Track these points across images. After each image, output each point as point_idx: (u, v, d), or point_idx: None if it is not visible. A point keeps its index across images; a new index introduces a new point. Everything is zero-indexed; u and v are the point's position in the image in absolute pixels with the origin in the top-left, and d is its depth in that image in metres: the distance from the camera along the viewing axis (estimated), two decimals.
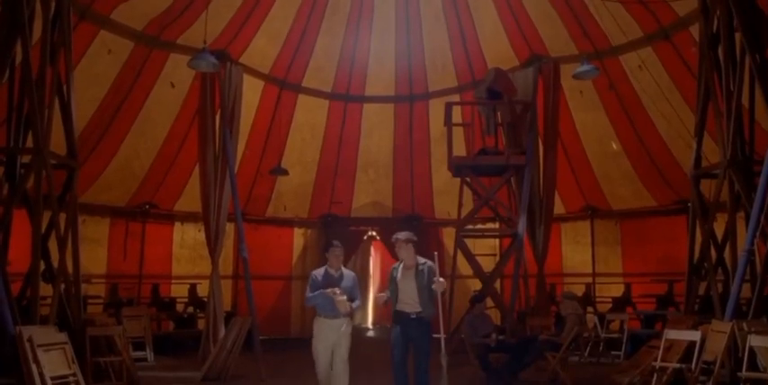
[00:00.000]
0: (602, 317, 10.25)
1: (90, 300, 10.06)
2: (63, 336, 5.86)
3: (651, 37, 9.43)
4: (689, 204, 10.45)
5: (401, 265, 5.20)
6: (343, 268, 5.29)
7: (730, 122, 6.84)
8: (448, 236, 12.79)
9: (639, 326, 10.46)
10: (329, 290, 4.97)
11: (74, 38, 7.93)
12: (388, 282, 5.25)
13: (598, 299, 11.64)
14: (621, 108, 10.58)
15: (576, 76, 8.17)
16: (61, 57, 6.81)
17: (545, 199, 9.96)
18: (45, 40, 6.46)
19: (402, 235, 5.15)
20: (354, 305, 5.17)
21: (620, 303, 11.13)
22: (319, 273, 5.25)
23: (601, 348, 9.47)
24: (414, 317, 5.07)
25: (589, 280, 12.00)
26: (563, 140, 10.83)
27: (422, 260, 5.16)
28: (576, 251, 12.56)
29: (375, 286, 14.67)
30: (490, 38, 11.08)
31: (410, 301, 5.07)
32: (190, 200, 11.09)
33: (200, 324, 10.18)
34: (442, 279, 4.99)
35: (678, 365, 6.01)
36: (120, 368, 6.77)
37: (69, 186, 7.03)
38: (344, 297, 4.98)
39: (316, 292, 5.08)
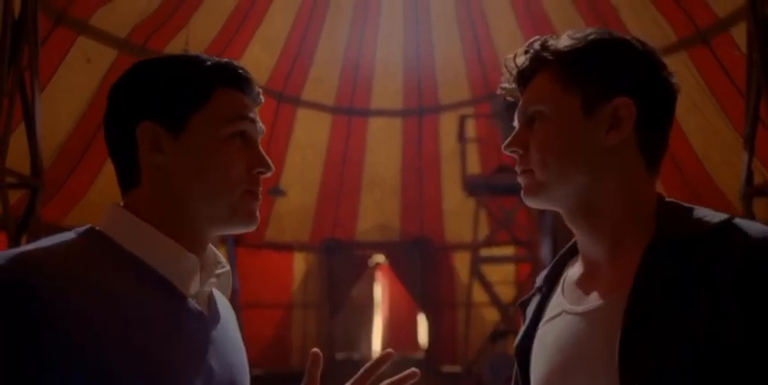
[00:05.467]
0: None
1: None
2: None
3: (685, 42, 8.59)
4: None
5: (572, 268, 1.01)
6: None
7: None
8: (460, 261, 11.90)
9: None
10: None
11: (49, 44, 7.21)
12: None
13: None
14: None
15: None
16: (24, 58, 5.96)
17: None
18: (2, 40, 5.64)
19: None
20: None
21: None
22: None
23: None
24: None
25: None
26: None
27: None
28: None
29: (382, 321, 13.55)
30: (508, 46, 10.26)
31: None
32: None
33: None
34: None
35: None
36: None
37: (32, 208, 6.14)
38: None
39: None
